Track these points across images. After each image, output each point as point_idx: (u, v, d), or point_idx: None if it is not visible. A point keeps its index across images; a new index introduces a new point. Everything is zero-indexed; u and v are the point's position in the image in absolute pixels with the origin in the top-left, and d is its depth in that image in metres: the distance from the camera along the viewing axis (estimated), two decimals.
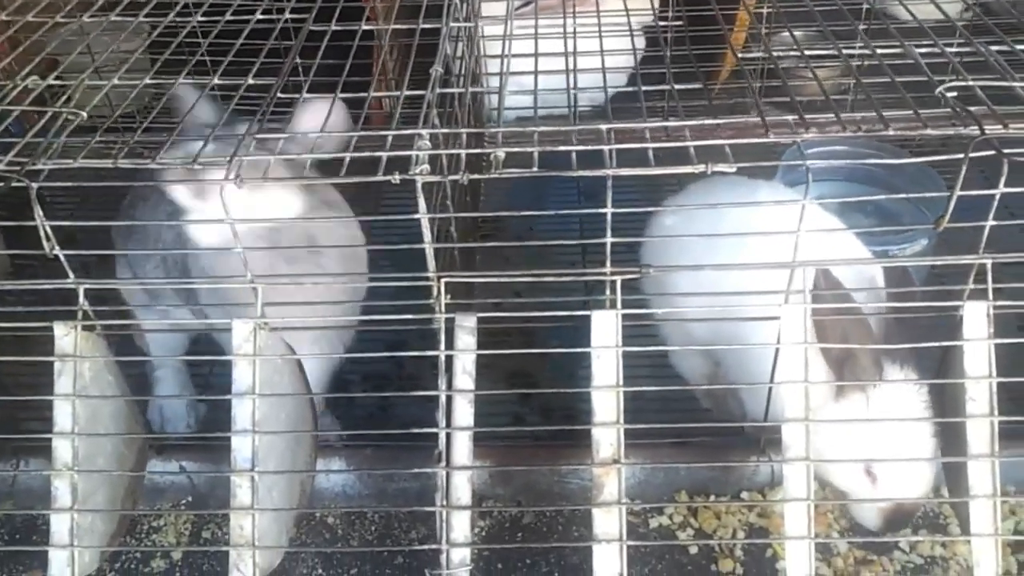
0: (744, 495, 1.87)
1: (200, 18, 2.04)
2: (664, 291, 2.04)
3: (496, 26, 2.09)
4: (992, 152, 1.42)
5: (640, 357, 2.17)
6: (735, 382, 1.95)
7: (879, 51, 1.72)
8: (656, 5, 2.31)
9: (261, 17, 2.00)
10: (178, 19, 2.06)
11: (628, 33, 2.38)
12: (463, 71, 2.61)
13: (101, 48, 1.96)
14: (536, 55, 1.88)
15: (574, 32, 1.96)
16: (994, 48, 1.70)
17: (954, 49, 1.77)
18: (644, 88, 1.75)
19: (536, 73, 1.80)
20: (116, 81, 1.77)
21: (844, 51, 1.80)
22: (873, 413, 1.64)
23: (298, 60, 1.95)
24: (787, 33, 2.61)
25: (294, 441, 1.72)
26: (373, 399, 1.81)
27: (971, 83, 1.55)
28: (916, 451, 1.64)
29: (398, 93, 1.69)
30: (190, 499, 1.95)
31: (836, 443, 1.67)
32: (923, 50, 1.73)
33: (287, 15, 2.03)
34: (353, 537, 1.86)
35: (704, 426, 1.91)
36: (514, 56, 1.92)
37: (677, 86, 1.74)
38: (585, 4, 2.23)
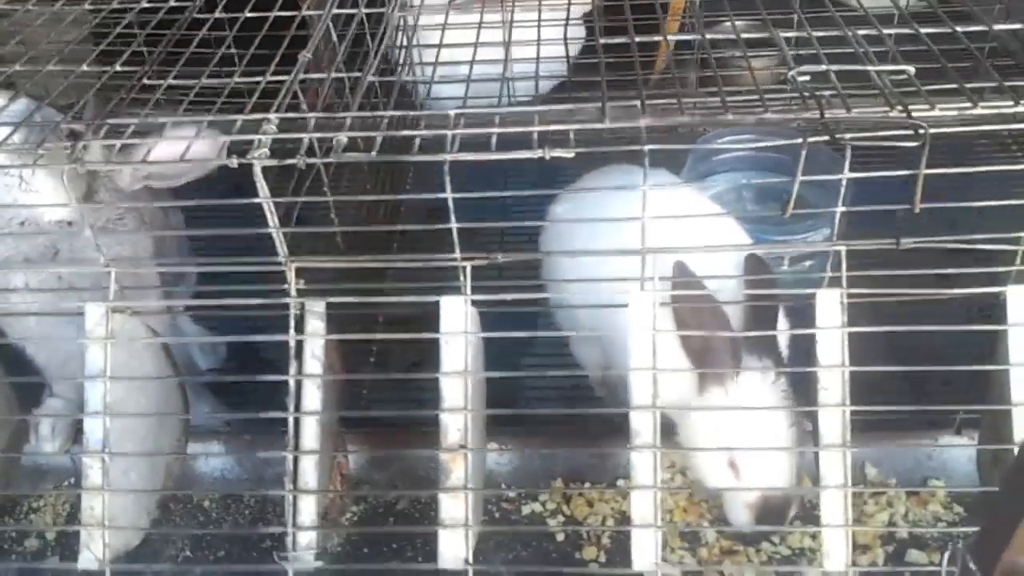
0: (620, 483, 1.86)
1: (145, 3, 2.05)
2: (551, 277, 2.04)
3: (434, 15, 2.10)
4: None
5: (545, 344, 2.18)
6: (619, 371, 1.93)
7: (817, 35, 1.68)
8: None
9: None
10: (120, 7, 2.07)
11: (565, 24, 2.36)
12: (401, 59, 2.62)
13: (41, 39, 1.98)
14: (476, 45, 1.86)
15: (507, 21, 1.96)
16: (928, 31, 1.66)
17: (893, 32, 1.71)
18: (578, 79, 1.74)
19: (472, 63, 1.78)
20: (51, 67, 1.79)
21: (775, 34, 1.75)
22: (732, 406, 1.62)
23: (233, 50, 1.99)
24: (729, 23, 2.59)
25: (157, 425, 1.73)
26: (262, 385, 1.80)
27: (824, 68, 1.51)
28: (775, 442, 1.61)
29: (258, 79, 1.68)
30: (72, 481, 1.96)
31: (700, 439, 1.65)
32: (864, 33, 1.68)
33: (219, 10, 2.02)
34: (226, 521, 1.86)
35: (557, 413, 1.89)
36: (450, 46, 1.93)
37: (608, 77, 1.71)
38: None
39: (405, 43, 2.49)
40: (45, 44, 1.97)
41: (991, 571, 1.16)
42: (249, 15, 2.01)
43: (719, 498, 1.75)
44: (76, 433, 1.94)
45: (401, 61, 2.58)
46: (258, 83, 1.67)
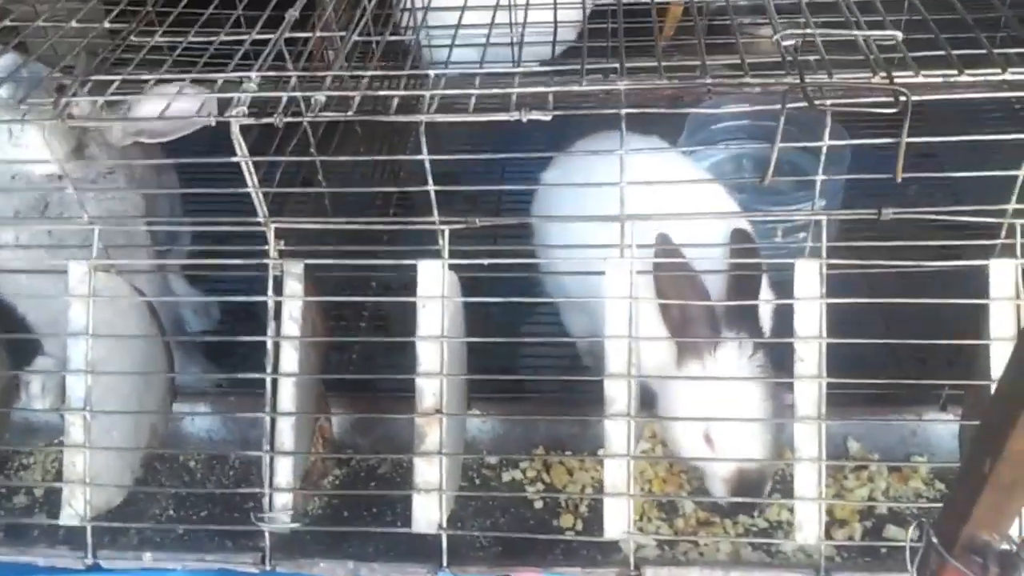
0: (600, 452, 1.85)
1: None
2: (540, 243, 2.03)
3: None
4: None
5: (547, 315, 2.18)
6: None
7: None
8: None
9: None
10: None
11: None
12: (411, 22, 2.60)
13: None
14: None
15: None
16: None
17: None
18: (590, 44, 1.72)
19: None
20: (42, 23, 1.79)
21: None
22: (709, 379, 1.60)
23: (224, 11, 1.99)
24: None
25: (142, 383, 1.74)
26: (253, 347, 1.80)
27: (809, 32, 1.49)
28: (751, 415, 1.60)
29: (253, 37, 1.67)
30: (62, 438, 1.98)
31: (678, 412, 1.64)
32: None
33: None
34: (211, 481, 1.88)
35: (535, 380, 1.89)
36: (458, 9, 1.90)
37: (614, 43, 1.67)
38: None
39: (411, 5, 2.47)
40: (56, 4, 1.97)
41: (952, 545, 1.15)
42: None
43: (697, 470, 1.75)
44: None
45: (407, 24, 2.57)
46: (242, 41, 1.66)
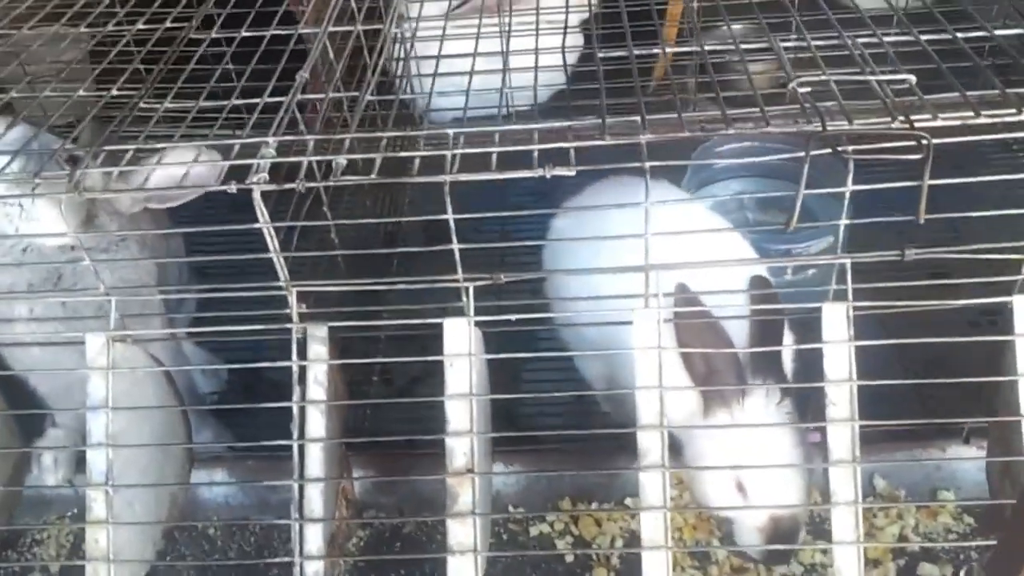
0: (628, 501, 1.84)
1: (141, 26, 2.04)
2: (555, 295, 2.03)
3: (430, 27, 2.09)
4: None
5: (545, 361, 2.16)
6: (625, 387, 1.92)
7: (816, 43, 1.67)
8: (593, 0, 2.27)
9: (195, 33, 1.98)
10: (117, 28, 2.06)
11: (566, 31, 2.34)
12: (399, 73, 2.61)
13: (40, 60, 1.98)
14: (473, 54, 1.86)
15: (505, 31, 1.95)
16: (927, 37, 1.65)
17: (892, 39, 1.71)
18: (576, 87, 1.73)
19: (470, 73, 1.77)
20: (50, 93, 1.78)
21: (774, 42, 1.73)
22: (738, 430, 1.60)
23: (231, 66, 1.99)
24: (736, 26, 2.56)
25: (161, 454, 1.71)
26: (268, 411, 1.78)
27: (825, 76, 1.51)
28: (783, 461, 1.59)
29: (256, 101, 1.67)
30: (76, 511, 1.94)
31: (706, 462, 1.63)
32: (864, 40, 1.68)
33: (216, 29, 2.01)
34: (232, 548, 1.85)
35: (562, 433, 1.88)
36: (447, 56, 1.91)
37: (609, 85, 1.69)
38: (521, 2, 2.21)
39: (402, 56, 2.49)
40: (44, 65, 1.96)
41: None
42: (246, 34, 2.00)
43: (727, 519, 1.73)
44: (78, 463, 1.92)
45: (399, 74, 2.58)
46: (256, 104, 1.66)
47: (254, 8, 2.10)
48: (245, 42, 2.00)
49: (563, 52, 2.35)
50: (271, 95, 1.66)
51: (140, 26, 2.02)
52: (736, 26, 2.25)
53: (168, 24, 2.02)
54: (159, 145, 1.59)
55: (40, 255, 1.74)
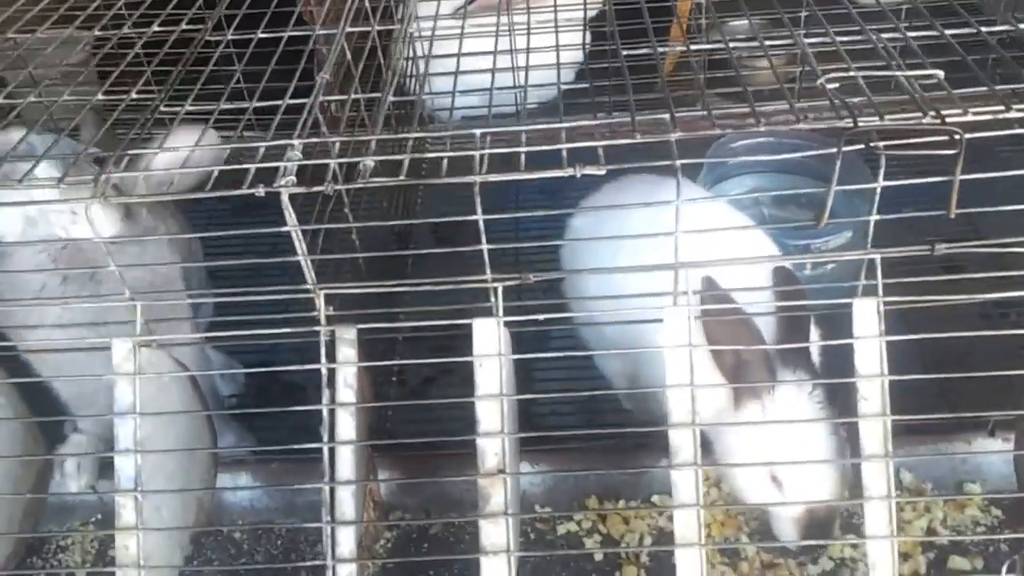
0: (655, 499, 1.84)
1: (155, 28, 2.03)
2: (576, 294, 2.02)
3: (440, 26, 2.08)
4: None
5: (555, 360, 2.16)
6: (649, 384, 1.91)
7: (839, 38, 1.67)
8: None
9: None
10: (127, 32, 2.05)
11: (575, 28, 2.34)
12: (412, 72, 2.60)
13: (46, 64, 1.96)
14: (488, 53, 1.85)
15: (516, 28, 1.95)
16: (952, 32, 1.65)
17: (916, 33, 1.70)
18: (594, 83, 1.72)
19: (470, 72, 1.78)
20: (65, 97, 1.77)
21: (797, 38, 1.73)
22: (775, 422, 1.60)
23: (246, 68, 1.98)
24: (736, 22, 2.55)
25: (187, 459, 1.70)
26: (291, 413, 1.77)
27: (853, 72, 1.50)
28: (816, 454, 1.59)
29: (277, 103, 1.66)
30: (99, 517, 1.93)
31: (739, 456, 1.63)
32: (887, 36, 1.67)
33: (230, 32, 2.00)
34: (259, 552, 1.84)
35: (595, 431, 1.88)
36: (459, 56, 1.90)
37: (617, 82, 1.67)
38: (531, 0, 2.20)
39: (418, 55, 2.48)
40: (53, 69, 1.94)
41: None
42: (262, 35, 1.99)
43: (758, 512, 1.74)
44: (102, 469, 1.91)
45: (413, 74, 2.56)
46: (277, 106, 1.65)
47: (269, 9, 2.09)
48: (256, 45, 1.98)
49: (583, 48, 2.36)
50: (290, 101, 1.65)
51: (155, 28, 2.01)
52: (742, 22, 2.25)
53: (184, 26, 2.02)
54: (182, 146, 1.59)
55: (79, 253, 1.73)
